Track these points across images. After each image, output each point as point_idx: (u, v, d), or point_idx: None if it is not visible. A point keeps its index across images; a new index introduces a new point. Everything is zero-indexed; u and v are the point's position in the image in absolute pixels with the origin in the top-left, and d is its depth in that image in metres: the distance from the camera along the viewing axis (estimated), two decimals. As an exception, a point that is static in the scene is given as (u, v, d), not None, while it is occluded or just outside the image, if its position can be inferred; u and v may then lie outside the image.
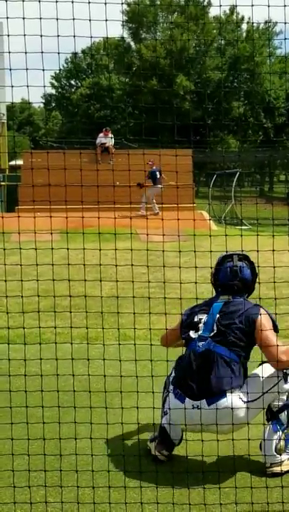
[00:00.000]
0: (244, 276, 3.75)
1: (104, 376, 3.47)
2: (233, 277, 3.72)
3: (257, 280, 3.80)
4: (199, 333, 3.60)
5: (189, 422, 3.43)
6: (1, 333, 5.81)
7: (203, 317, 3.65)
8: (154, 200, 18.33)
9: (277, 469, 3.45)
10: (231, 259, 3.77)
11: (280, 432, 3.51)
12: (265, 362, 3.62)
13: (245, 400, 3.44)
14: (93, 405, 3.48)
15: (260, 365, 3.66)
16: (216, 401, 3.41)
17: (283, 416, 3.52)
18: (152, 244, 3.49)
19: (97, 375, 3.51)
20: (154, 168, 17.90)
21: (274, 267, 3.47)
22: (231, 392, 3.43)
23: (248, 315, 3.57)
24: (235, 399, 3.42)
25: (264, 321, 3.55)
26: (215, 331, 3.56)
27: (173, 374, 3.67)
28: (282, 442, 3.51)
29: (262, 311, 3.60)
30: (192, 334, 3.63)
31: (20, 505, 3.04)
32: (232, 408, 3.37)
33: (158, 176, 18.02)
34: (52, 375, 3.41)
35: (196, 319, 3.67)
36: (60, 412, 3.43)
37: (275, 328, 3.60)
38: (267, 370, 3.57)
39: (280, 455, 3.48)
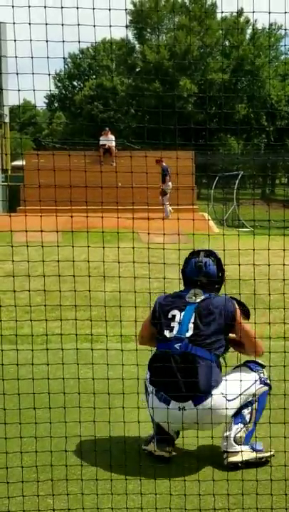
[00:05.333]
0: (208, 271, 3.79)
1: (108, 379, 3.51)
2: (198, 272, 3.78)
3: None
4: (174, 332, 3.60)
5: (175, 421, 3.50)
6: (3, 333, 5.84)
7: (177, 314, 3.65)
8: (168, 202, 18.18)
9: (235, 459, 3.52)
10: (197, 255, 3.85)
11: (242, 425, 3.59)
12: (240, 365, 3.77)
13: (228, 397, 3.51)
14: (91, 405, 3.51)
15: (236, 366, 3.77)
16: (202, 401, 3.46)
17: (246, 412, 3.61)
18: (153, 246, 3.51)
19: (100, 379, 3.53)
20: (164, 165, 17.71)
21: (269, 266, 3.51)
22: (213, 388, 3.49)
23: (226, 311, 3.63)
24: (220, 398, 3.48)
25: (239, 314, 3.67)
26: (192, 332, 3.57)
27: (148, 375, 3.69)
28: (242, 433, 3.58)
29: (234, 303, 3.69)
30: (167, 334, 3.62)
31: (29, 499, 3.13)
32: (217, 408, 3.46)
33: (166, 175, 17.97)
34: (58, 379, 3.45)
35: (169, 315, 3.66)
36: (62, 412, 3.46)
37: (248, 315, 3.74)
38: (243, 373, 3.66)
39: (239, 445, 3.54)
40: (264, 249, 3.41)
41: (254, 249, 3.35)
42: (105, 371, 3.45)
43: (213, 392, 3.47)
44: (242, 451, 3.54)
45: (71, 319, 3.86)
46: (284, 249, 3.57)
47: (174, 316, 3.65)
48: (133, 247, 3.55)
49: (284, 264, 3.68)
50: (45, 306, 3.60)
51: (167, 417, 3.46)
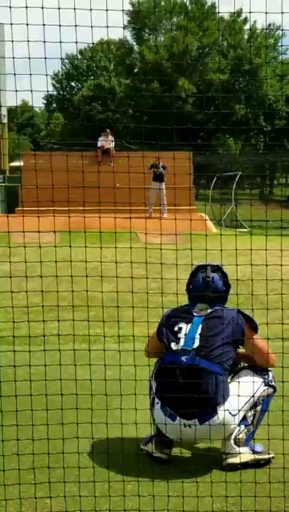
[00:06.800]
0: (216, 286, 3.78)
1: (105, 380, 3.51)
2: (205, 287, 3.76)
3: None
4: (181, 344, 3.58)
5: (182, 437, 3.51)
6: (1, 334, 5.84)
7: (184, 327, 3.64)
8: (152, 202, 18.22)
9: (234, 460, 3.50)
10: (204, 270, 3.82)
11: (243, 427, 3.58)
12: (244, 368, 3.77)
13: (233, 412, 3.50)
14: (89, 406, 3.51)
15: (238, 371, 3.76)
16: (208, 419, 3.45)
17: (249, 415, 3.61)
18: (151, 246, 3.51)
19: (98, 380, 3.53)
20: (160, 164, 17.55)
21: (266, 266, 3.50)
22: (220, 405, 3.47)
23: (235, 325, 3.61)
24: (226, 415, 3.47)
25: (249, 329, 3.65)
26: (198, 344, 3.55)
27: (154, 383, 3.69)
28: (242, 435, 3.57)
29: (242, 319, 3.66)
30: (173, 346, 3.61)
31: (26, 501, 3.13)
32: (224, 424, 3.46)
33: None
34: (55, 380, 3.44)
35: (175, 328, 3.65)
36: (59, 414, 3.46)
37: (255, 328, 3.69)
38: (249, 377, 3.67)
39: (238, 447, 3.53)
40: (262, 250, 3.40)
41: (251, 250, 3.35)
42: (103, 372, 3.44)
43: (219, 410, 3.46)
44: (241, 453, 3.53)
45: (69, 320, 3.85)
46: (281, 250, 3.57)
47: (180, 329, 3.64)
48: (130, 248, 3.54)
49: (281, 265, 3.68)
50: (42, 306, 3.59)
51: (165, 427, 3.50)
